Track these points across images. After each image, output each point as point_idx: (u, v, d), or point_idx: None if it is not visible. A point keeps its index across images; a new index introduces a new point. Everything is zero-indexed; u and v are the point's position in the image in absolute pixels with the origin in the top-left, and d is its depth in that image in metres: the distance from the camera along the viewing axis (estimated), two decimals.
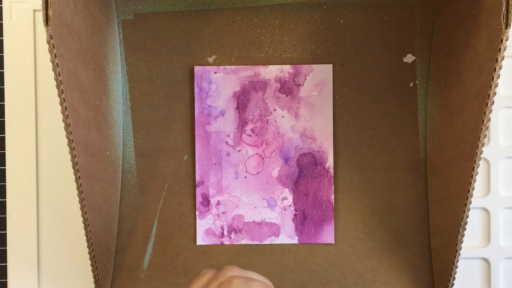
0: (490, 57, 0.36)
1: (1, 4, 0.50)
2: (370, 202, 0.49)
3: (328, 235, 0.49)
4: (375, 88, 0.49)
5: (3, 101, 0.51)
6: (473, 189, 0.40)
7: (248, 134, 0.49)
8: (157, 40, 0.49)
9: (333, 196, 0.49)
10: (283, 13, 0.49)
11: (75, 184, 0.39)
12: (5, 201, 0.51)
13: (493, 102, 0.36)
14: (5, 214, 0.51)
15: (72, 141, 0.38)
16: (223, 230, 0.49)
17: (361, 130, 0.49)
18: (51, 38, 0.34)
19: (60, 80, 0.35)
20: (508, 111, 0.51)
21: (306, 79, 0.49)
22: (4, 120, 0.51)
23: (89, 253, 0.43)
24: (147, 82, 0.49)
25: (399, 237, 0.49)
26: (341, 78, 0.49)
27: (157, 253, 0.50)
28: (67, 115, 0.37)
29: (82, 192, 0.40)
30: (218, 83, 0.49)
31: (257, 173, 0.49)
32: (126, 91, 0.49)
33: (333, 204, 0.49)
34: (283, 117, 0.49)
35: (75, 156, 0.38)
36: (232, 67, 0.49)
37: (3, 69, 0.51)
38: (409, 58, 0.49)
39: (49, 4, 0.34)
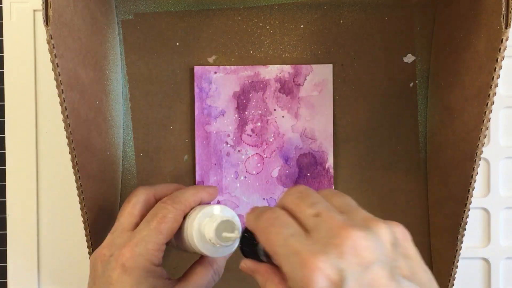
0: (490, 57, 0.36)
1: (1, 4, 0.50)
2: (370, 202, 0.49)
3: None
4: (375, 88, 0.49)
5: (3, 101, 0.51)
6: (473, 189, 0.40)
7: (248, 134, 0.49)
8: (157, 40, 0.49)
9: None
10: (283, 13, 0.49)
11: (75, 184, 0.39)
12: (5, 201, 0.51)
13: (493, 102, 0.36)
14: (5, 214, 0.51)
15: (72, 141, 0.38)
16: None
17: (361, 130, 0.49)
18: (51, 38, 0.34)
19: (60, 80, 0.35)
20: (508, 111, 0.51)
21: (306, 79, 0.49)
22: (4, 120, 0.51)
23: (89, 253, 0.43)
24: (147, 82, 0.49)
25: None
26: (341, 78, 0.49)
27: None
28: (67, 115, 0.37)
29: (82, 192, 0.40)
30: (218, 83, 0.49)
31: (257, 173, 0.49)
32: (126, 91, 0.49)
33: None
34: (283, 117, 0.49)
35: (75, 156, 0.38)
36: (232, 67, 0.49)
37: (3, 69, 0.50)
38: (409, 58, 0.49)
39: (49, 4, 0.34)
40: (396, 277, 0.27)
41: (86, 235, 0.42)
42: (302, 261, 0.27)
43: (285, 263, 0.28)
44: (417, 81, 0.49)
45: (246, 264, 0.34)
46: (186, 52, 0.49)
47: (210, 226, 0.37)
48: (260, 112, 0.49)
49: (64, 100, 0.36)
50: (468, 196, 0.40)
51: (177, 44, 0.49)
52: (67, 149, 0.38)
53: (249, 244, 0.35)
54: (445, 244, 0.45)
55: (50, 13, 0.34)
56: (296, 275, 0.27)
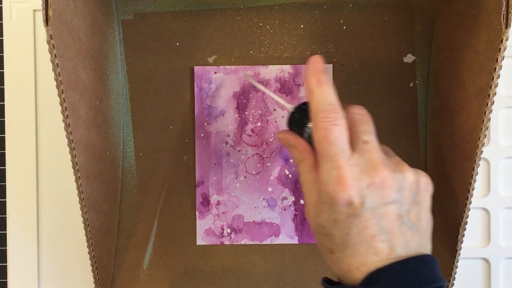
0: (490, 57, 0.36)
1: (1, 4, 0.50)
2: None
3: None
4: (375, 88, 0.49)
5: (3, 101, 0.51)
6: (473, 189, 0.40)
7: (248, 134, 0.49)
8: (157, 40, 0.49)
9: None
10: (283, 13, 0.49)
11: (75, 184, 0.39)
12: (5, 201, 0.51)
13: (493, 102, 0.36)
14: (5, 214, 0.51)
15: (72, 141, 0.38)
16: (223, 230, 0.49)
17: None
18: (51, 38, 0.34)
19: (60, 80, 0.35)
20: (508, 111, 0.51)
21: None
22: (4, 120, 0.51)
23: (89, 253, 0.43)
24: (147, 82, 0.49)
25: None
26: (341, 78, 0.49)
27: (157, 253, 0.50)
28: (67, 115, 0.37)
29: (82, 192, 0.40)
30: (218, 83, 0.49)
31: (257, 173, 0.49)
32: (126, 91, 0.49)
33: None
34: (283, 117, 0.49)
35: (75, 156, 0.38)
36: (232, 67, 0.49)
37: (3, 69, 0.51)
38: (409, 58, 0.49)
39: (49, 4, 0.34)
40: (403, 218, 0.33)
41: (86, 235, 0.42)
42: (339, 177, 0.33)
43: (325, 165, 0.33)
44: (417, 81, 0.49)
45: (287, 136, 0.38)
46: (186, 52, 0.49)
47: None
48: (260, 112, 0.49)
49: (64, 100, 0.36)
50: (468, 196, 0.40)
51: (177, 44, 0.49)
52: (67, 149, 0.38)
53: (301, 117, 0.38)
54: (445, 244, 0.45)
55: (50, 13, 0.34)
56: (329, 182, 0.33)
